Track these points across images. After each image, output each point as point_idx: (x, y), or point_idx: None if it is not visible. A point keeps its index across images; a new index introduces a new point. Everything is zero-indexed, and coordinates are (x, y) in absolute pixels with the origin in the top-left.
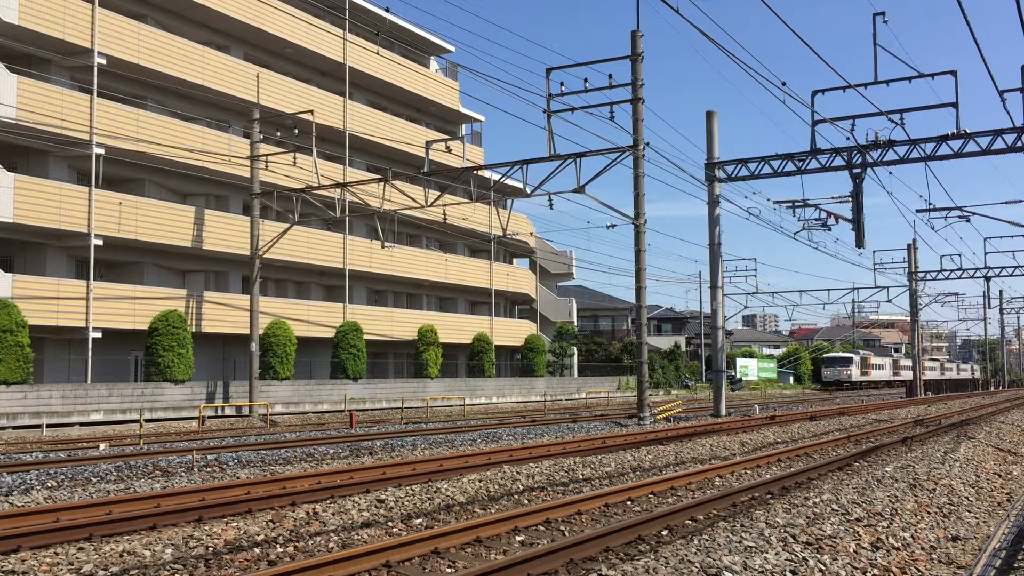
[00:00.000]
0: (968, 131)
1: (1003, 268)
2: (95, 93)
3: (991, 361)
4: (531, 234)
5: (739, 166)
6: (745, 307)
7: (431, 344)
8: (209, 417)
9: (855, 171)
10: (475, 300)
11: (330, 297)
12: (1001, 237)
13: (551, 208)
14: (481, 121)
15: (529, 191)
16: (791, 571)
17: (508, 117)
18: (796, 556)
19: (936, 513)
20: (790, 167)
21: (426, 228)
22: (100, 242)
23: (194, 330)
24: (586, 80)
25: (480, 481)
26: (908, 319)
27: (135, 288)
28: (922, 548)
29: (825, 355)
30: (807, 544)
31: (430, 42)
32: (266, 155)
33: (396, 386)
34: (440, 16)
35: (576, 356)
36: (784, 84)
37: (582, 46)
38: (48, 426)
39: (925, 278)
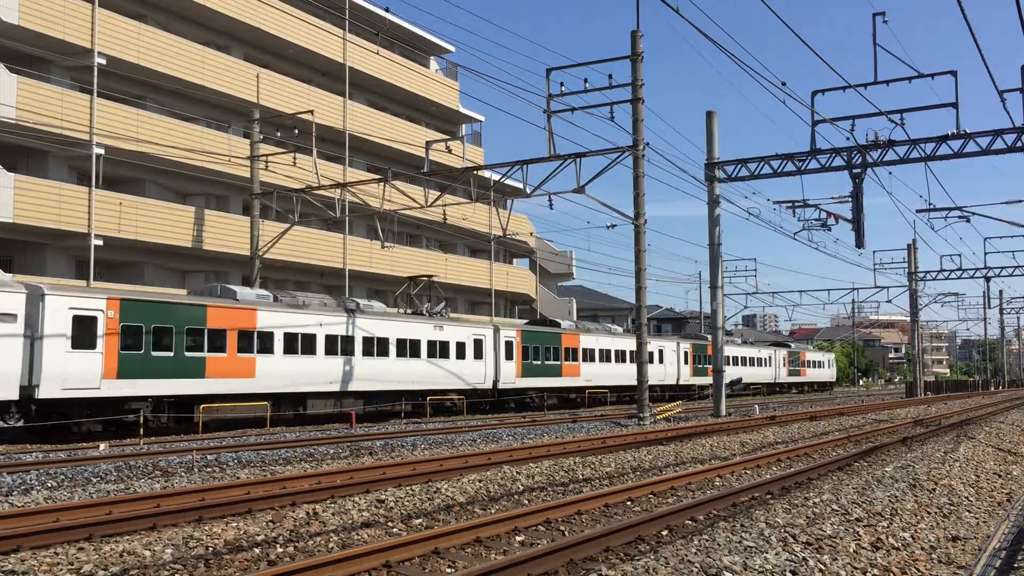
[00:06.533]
0: (968, 131)
1: (1003, 268)
2: (95, 93)
3: (991, 361)
4: (531, 234)
5: (739, 166)
6: (745, 307)
7: None
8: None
9: (855, 171)
10: (475, 300)
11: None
12: (1001, 237)
13: (551, 208)
14: (481, 121)
15: (529, 191)
16: (791, 571)
17: (508, 117)
18: (796, 556)
19: (936, 513)
20: (790, 167)
21: (426, 228)
22: (100, 242)
23: None
24: (586, 80)
25: (480, 481)
26: (908, 319)
27: (135, 288)
28: (922, 548)
29: None
30: (807, 544)
31: (430, 42)
32: (266, 155)
33: None
34: (440, 16)
35: None
36: (784, 84)
37: (582, 46)
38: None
39: (925, 278)
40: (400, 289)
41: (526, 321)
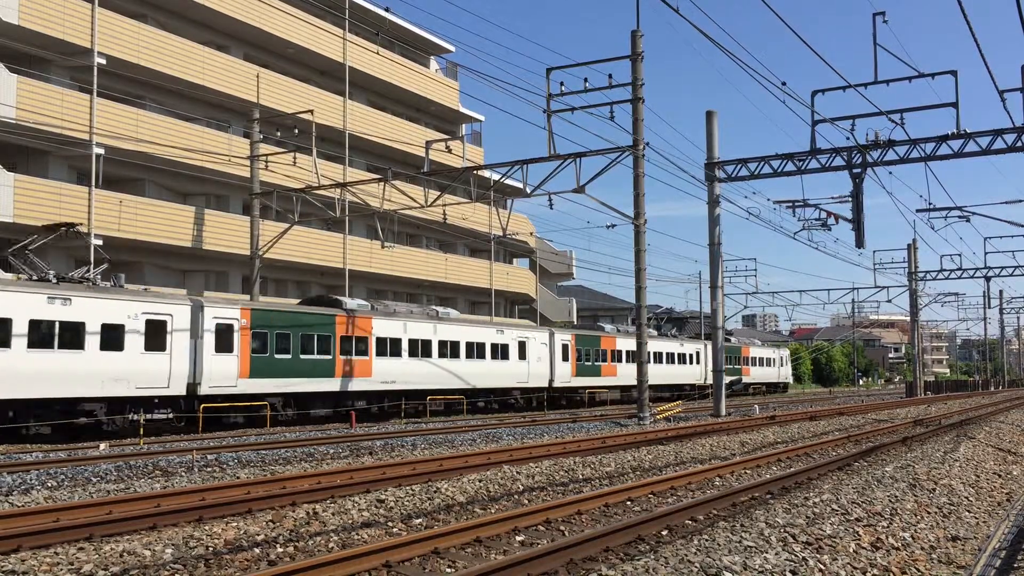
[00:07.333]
0: (968, 131)
1: (1003, 268)
2: (95, 93)
3: (991, 361)
4: (531, 234)
5: (739, 166)
6: (745, 307)
7: None
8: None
9: (855, 171)
10: (475, 300)
11: None
12: (1001, 237)
13: (551, 208)
14: (481, 121)
15: (529, 191)
16: (791, 571)
17: (508, 117)
18: (796, 556)
19: (936, 513)
20: (790, 167)
21: (426, 228)
22: (100, 242)
23: None
24: (586, 80)
25: (480, 481)
26: (908, 319)
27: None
28: (922, 548)
29: None
30: (807, 544)
31: (430, 42)
32: (266, 155)
33: None
34: (440, 16)
35: None
36: (784, 84)
37: (582, 46)
38: None
39: (925, 278)
40: (21, 243)
41: (299, 301)
